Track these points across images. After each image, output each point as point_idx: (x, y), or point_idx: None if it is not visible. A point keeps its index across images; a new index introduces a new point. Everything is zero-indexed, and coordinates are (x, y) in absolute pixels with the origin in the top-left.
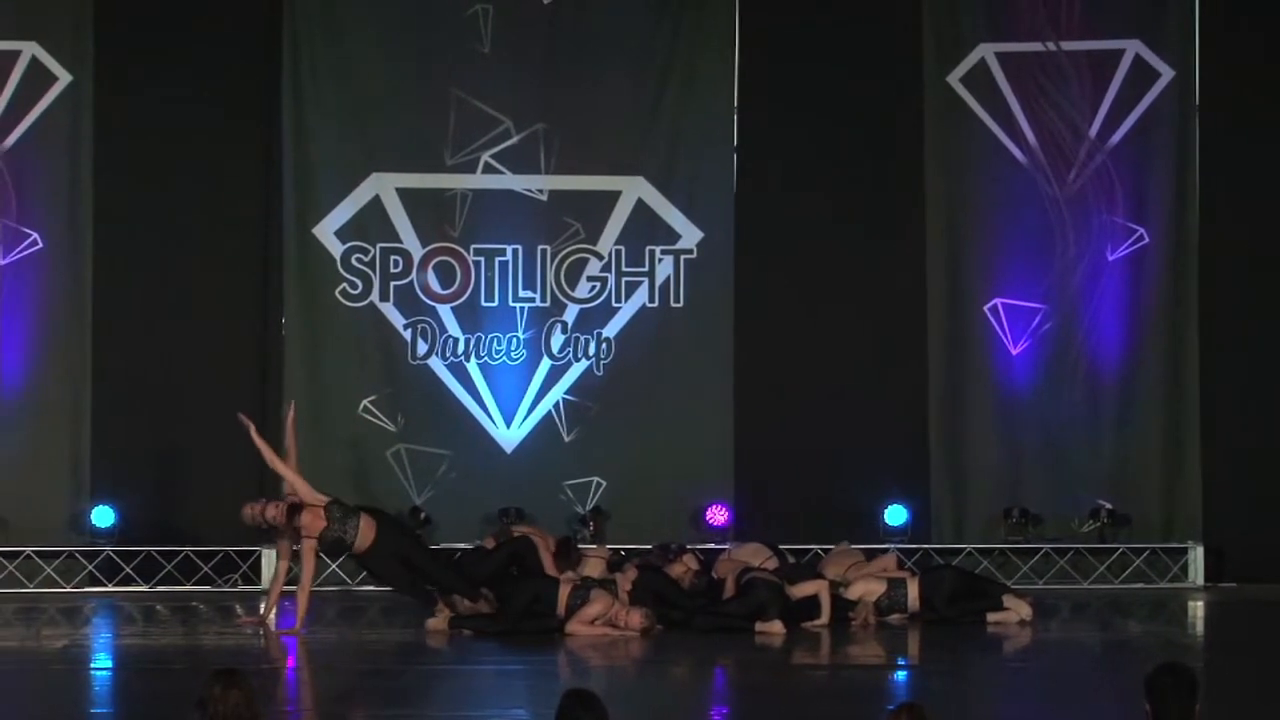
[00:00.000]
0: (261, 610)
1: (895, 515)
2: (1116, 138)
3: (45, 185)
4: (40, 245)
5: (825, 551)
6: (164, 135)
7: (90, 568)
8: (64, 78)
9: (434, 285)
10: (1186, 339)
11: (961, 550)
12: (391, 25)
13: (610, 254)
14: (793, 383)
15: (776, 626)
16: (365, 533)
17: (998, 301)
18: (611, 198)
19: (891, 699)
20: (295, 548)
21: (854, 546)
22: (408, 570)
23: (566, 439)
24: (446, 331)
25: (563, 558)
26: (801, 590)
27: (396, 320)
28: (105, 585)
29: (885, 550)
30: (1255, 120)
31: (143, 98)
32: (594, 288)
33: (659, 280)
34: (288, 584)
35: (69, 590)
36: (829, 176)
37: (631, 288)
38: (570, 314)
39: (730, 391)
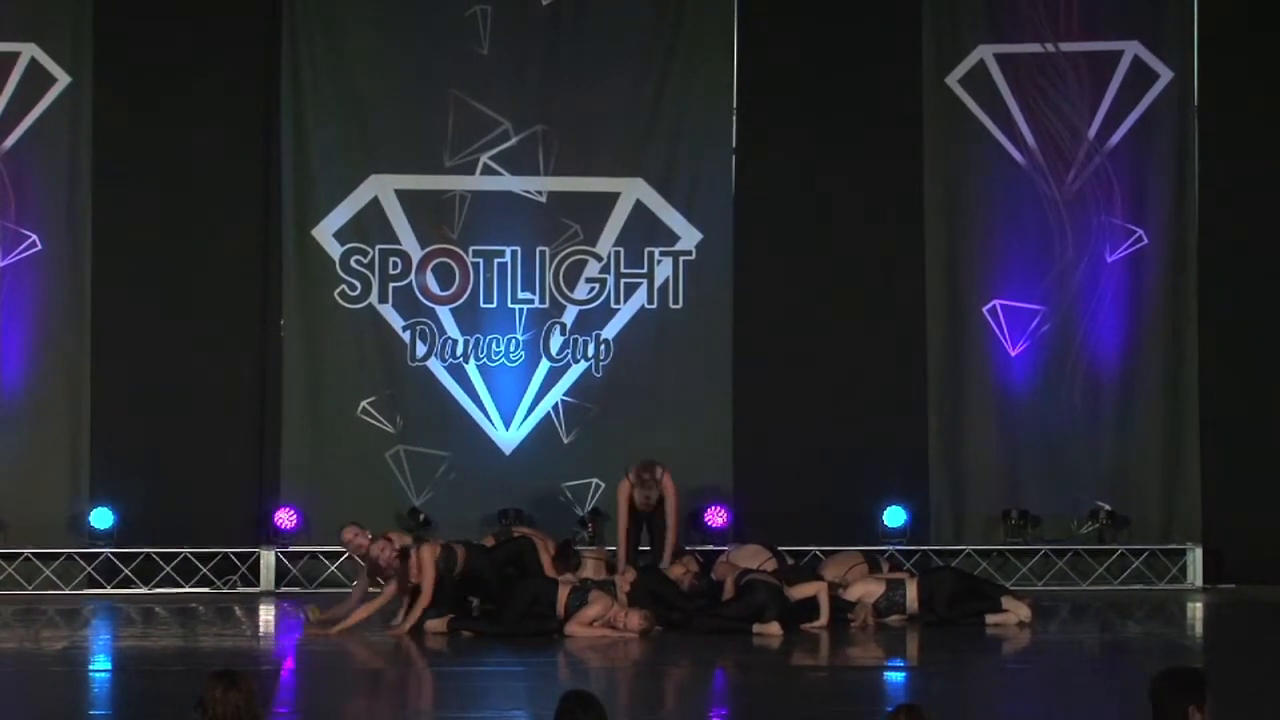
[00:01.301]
0: (321, 615)
1: (894, 516)
2: (1115, 139)
3: (44, 186)
4: (39, 247)
5: (825, 553)
6: (163, 137)
7: (89, 570)
8: (63, 79)
9: (433, 287)
10: (1185, 340)
11: (960, 551)
12: (391, 26)
13: (609, 255)
14: (791, 384)
15: (774, 628)
16: (461, 565)
17: (996, 303)
18: (610, 199)
19: (890, 700)
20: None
21: (854, 548)
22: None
23: (565, 440)
24: (445, 333)
25: (562, 561)
26: (801, 592)
27: (395, 322)
28: (104, 587)
29: (884, 552)
30: (1254, 121)
31: (142, 99)
32: (593, 289)
33: (658, 282)
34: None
35: (68, 592)
36: (828, 178)
37: (630, 289)
38: (569, 315)
39: (729, 393)
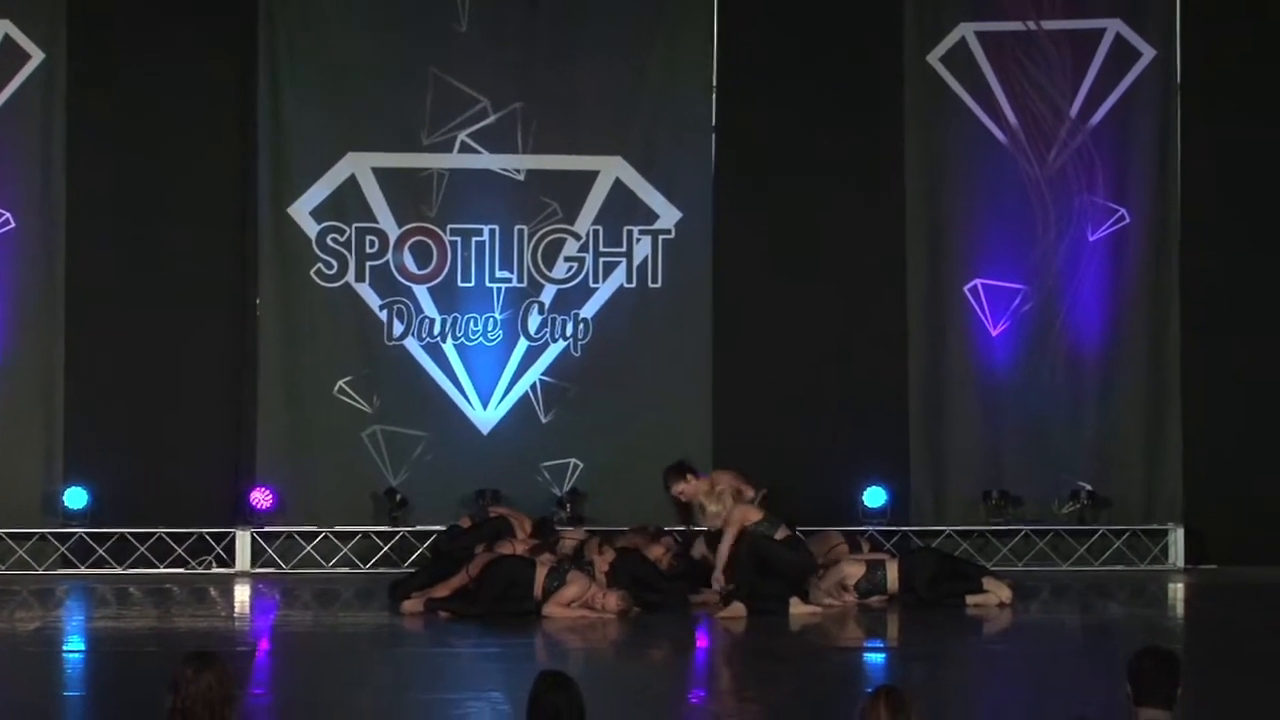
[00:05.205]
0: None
1: (874, 497)
2: (1097, 118)
3: (18, 164)
4: (13, 225)
5: (805, 533)
6: (138, 114)
7: (63, 550)
8: (36, 55)
9: (410, 265)
10: (1167, 320)
11: (941, 532)
12: (369, 4)
13: (588, 234)
14: (771, 364)
15: (738, 610)
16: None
17: (978, 282)
18: (589, 178)
19: (870, 682)
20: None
21: (834, 529)
22: None
23: (544, 420)
24: (423, 312)
25: (539, 537)
26: None
27: (372, 301)
28: (78, 568)
29: (864, 532)
30: (1236, 100)
31: (116, 76)
32: (571, 268)
33: (637, 261)
34: None
35: (41, 572)
36: (808, 157)
37: (609, 268)
38: (547, 294)
39: (708, 372)
